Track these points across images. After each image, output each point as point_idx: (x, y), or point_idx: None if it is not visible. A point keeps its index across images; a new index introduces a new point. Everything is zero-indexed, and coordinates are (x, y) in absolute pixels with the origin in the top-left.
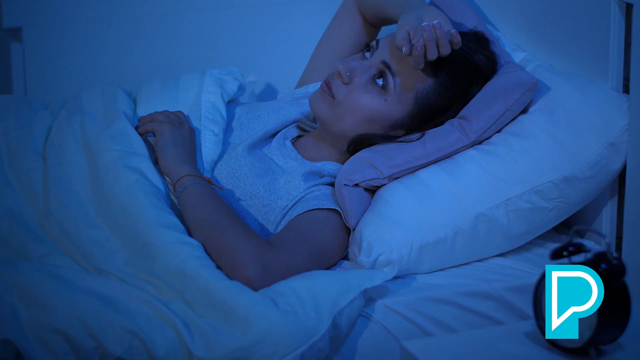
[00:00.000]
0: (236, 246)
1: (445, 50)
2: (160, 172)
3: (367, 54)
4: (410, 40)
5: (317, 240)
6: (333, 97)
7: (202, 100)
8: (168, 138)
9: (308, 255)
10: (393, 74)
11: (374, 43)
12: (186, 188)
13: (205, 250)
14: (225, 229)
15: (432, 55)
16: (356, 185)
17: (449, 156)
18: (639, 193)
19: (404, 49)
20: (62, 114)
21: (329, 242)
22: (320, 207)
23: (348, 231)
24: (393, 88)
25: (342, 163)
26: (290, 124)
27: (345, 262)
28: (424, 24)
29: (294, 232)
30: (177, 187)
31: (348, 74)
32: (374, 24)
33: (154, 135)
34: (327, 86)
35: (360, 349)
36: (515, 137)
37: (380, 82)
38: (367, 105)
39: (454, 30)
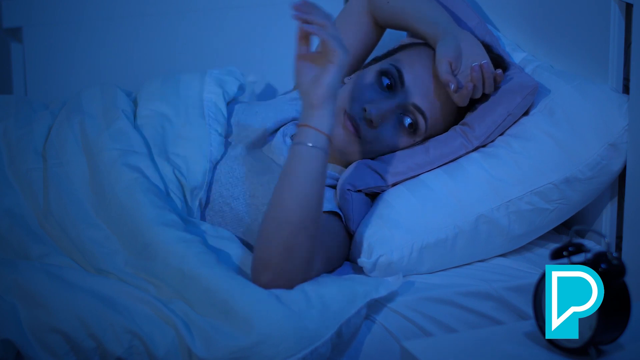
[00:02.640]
0: (297, 259)
1: (490, 91)
2: (159, 171)
3: (385, 79)
4: (452, 72)
5: (326, 246)
6: (359, 137)
7: (204, 100)
8: (335, 78)
9: (321, 263)
10: (425, 118)
11: (392, 69)
12: (315, 146)
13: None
14: (312, 235)
15: (478, 95)
16: (359, 191)
17: (451, 162)
18: (639, 193)
19: (451, 86)
20: (62, 114)
21: (335, 246)
22: (323, 210)
23: (349, 233)
24: (424, 131)
25: (344, 166)
26: (289, 122)
27: (347, 263)
28: (474, 64)
29: None
30: (306, 130)
31: (380, 120)
32: (386, 27)
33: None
34: (353, 127)
35: (360, 349)
36: (516, 139)
37: (408, 123)
38: (396, 146)
39: (499, 71)
